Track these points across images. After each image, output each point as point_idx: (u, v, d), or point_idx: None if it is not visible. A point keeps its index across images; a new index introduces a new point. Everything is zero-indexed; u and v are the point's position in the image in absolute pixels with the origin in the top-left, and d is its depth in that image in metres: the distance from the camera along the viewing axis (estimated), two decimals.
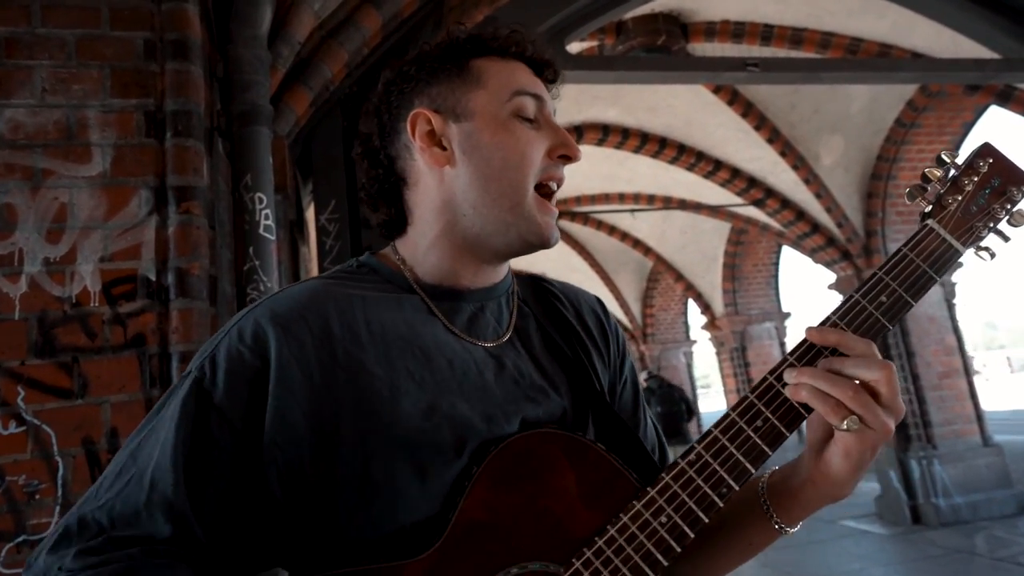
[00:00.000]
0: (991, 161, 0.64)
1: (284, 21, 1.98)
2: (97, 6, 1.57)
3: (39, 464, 1.40)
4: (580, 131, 6.40)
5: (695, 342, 12.27)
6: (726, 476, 0.58)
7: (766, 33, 4.44)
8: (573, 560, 0.56)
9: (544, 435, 0.61)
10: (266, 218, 1.74)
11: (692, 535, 0.57)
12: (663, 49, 4.62)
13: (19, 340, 1.43)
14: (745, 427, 0.59)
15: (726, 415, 0.61)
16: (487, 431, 0.61)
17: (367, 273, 0.70)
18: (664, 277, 10.64)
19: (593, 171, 7.47)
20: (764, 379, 0.61)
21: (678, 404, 6.56)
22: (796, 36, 4.41)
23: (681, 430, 6.38)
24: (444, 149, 0.67)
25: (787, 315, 9.83)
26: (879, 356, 0.58)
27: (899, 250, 0.64)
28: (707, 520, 0.58)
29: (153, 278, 1.50)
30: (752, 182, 6.62)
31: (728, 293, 9.43)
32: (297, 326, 0.59)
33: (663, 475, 0.59)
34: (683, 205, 7.96)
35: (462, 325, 0.67)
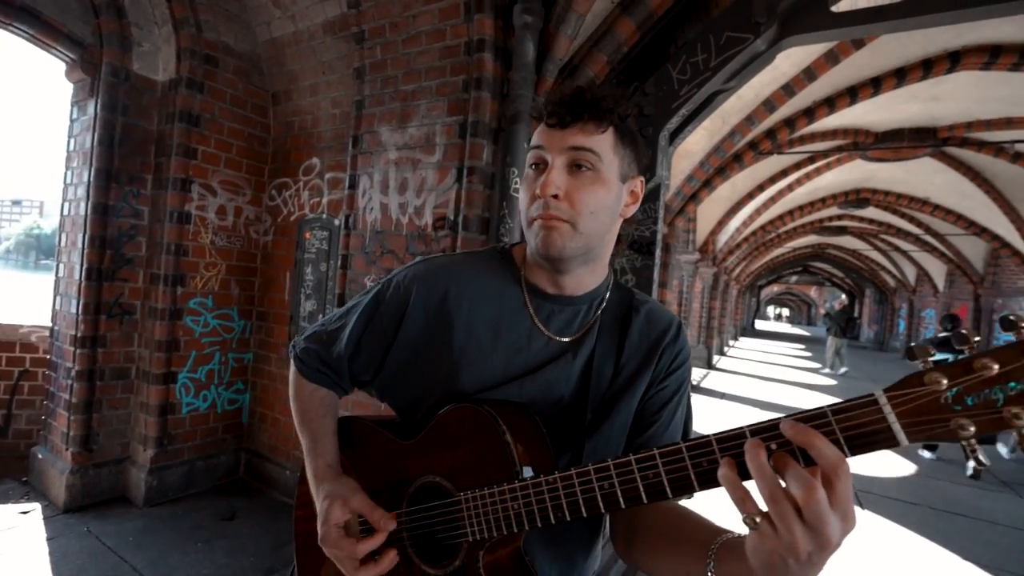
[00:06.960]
0: None
1: (548, 47, 2.87)
2: (444, 65, 2.83)
3: None
4: (957, 57, 5.30)
5: None
6: (566, 506, 0.69)
7: None
8: (466, 493, 0.79)
9: (477, 411, 0.79)
10: (516, 183, 2.75)
11: (528, 528, 0.73)
12: None
13: (403, 244, 2.89)
14: (635, 473, 0.64)
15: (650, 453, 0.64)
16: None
17: (501, 258, 0.95)
18: None
19: (986, 94, 6.13)
20: (709, 441, 0.60)
21: None
22: None
23: None
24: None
25: None
26: (839, 467, 0.51)
27: (835, 405, 0.55)
28: (536, 525, 0.72)
29: (452, 218, 2.73)
30: None
31: None
32: (430, 283, 0.91)
33: (542, 477, 0.72)
34: None
35: (542, 318, 0.89)
